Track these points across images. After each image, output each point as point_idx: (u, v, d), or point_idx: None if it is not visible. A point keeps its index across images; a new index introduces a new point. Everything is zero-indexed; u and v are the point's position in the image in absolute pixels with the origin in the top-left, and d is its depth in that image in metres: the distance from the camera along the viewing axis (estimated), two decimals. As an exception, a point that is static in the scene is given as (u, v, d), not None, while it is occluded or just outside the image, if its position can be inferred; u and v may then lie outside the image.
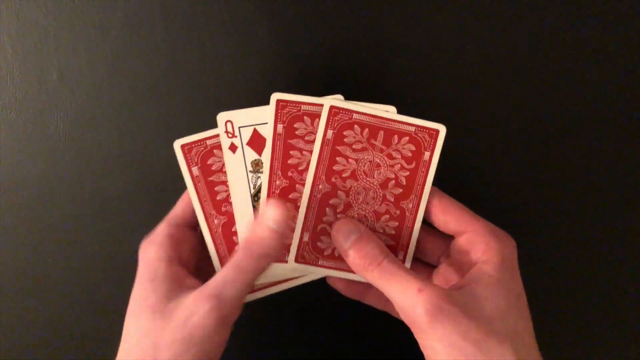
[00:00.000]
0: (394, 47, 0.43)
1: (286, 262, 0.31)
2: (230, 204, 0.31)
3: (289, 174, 0.31)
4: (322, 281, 0.43)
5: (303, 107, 0.31)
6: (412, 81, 0.43)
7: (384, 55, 0.43)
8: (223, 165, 0.32)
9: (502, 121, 0.44)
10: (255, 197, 0.31)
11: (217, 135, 0.32)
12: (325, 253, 0.32)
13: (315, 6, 0.42)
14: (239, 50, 0.43)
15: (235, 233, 0.32)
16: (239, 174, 0.31)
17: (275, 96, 0.31)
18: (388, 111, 0.32)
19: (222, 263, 0.32)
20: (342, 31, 0.43)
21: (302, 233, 0.31)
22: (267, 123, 0.31)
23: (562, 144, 0.44)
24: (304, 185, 0.31)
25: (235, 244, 0.32)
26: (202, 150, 0.32)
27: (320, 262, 0.32)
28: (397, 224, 0.32)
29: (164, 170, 0.44)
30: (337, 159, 0.31)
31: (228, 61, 0.43)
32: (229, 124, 0.31)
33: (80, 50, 0.43)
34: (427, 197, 0.32)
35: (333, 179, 0.31)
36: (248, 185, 0.31)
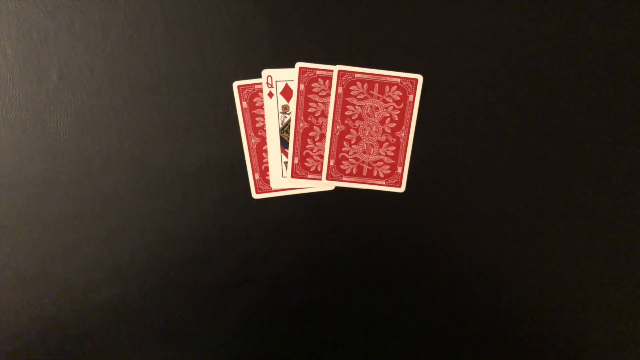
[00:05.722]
0: (390, 44, 0.43)
1: (320, 179, 0.44)
2: (264, 131, 0.44)
3: (309, 118, 0.43)
4: (322, 281, 0.43)
5: (318, 72, 0.43)
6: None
7: (384, 52, 0.43)
8: (263, 104, 0.43)
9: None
10: (282, 129, 0.44)
11: (261, 84, 0.43)
12: (346, 172, 0.44)
13: (315, 6, 0.42)
14: (239, 50, 0.43)
15: (265, 151, 0.44)
16: (272, 112, 0.44)
17: (298, 64, 0.42)
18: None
19: (252, 170, 0.44)
20: (342, 31, 0.43)
21: (328, 160, 0.44)
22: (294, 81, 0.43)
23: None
24: (319, 127, 0.43)
25: (264, 158, 0.44)
26: (250, 92, 0.43)
27: (343, 179, 0.44)
28: (394, 148, 0.44)
29: (164, 170, 0.44)
30: (347, 107, 0.43)
31: (228, 60, 0.43)
32: (269, 77, 0.43)
33: (80, 50, 0.43)
34: (414, 127, 0.43)
35: (346, 121, 0.43)
36: (278, 121, 0.44)
